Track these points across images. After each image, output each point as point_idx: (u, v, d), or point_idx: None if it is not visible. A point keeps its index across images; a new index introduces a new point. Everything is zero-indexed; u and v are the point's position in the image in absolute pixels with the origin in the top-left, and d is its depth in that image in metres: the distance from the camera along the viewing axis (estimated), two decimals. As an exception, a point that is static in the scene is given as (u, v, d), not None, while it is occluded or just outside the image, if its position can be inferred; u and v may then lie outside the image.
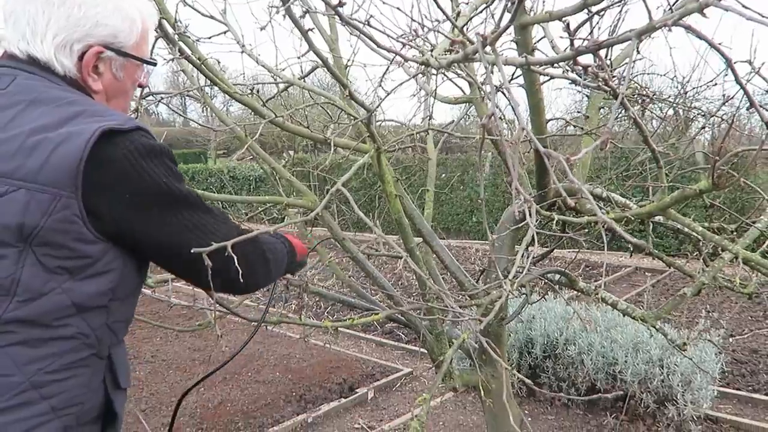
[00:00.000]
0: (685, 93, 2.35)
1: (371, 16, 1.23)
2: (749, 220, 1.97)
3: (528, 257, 2.45)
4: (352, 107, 2.30)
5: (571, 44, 0.95)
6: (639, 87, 2.47)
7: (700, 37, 0.78)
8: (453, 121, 3.39)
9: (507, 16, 2.41)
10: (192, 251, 1.05)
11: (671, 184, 1.87)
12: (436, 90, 2.44)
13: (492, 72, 0.89)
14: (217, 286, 1.14)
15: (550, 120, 2.25)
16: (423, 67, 1.27)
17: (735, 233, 2.14)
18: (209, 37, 2.31)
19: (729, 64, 0.76)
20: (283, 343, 5.59)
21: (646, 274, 8.61)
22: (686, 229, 1.90)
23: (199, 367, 5.04)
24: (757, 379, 4.51)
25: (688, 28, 0.76)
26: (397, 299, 2.49)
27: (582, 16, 1.98)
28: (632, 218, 1.74)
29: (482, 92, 2.64)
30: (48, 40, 1.08)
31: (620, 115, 2.04)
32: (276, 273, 1.41)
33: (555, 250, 3.44)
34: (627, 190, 2.37)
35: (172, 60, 1.63)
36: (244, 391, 4.47)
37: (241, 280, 1.10)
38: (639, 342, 3.92)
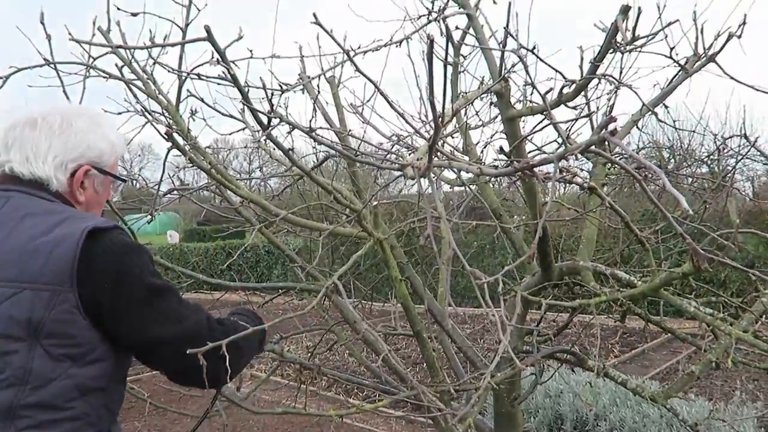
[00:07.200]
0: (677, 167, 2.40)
1: (315, 130, 1.38)
2: (749, 298, 1.96)
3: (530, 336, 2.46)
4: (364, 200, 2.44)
5: (509, 158, 1.05)
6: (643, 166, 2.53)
7: (603, 156, 0.87)
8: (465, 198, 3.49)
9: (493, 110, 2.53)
10: (188, 352, 1.16)
11: (665, 263, 1.90)
12: (437, 176, 2.56)
13: (434, 188, 0.99)
14: (203, 382, 1.23)
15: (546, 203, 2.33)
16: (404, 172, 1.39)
17: (738, 310, 2.12)
18: (230, 134, 2.53)
19: (641, 184, 0.85)
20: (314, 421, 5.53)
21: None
22: (683, 308, 1.91)
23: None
24: (807, 455, 4.24)
25: (599, 154, 0.86)
26: (408, 382, 2.52)
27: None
28: (624, 300, 1.77)
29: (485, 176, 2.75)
30: (48, 161, 1.29)
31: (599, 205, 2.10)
32: (248, 358, 1.50)
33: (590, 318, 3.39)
34: (631, 268, 2.40)
35: (185, 168, 1.81)
36: (271, 474, 4.43)
37: (227, 376, 1.21)
38: (673, 416, 3.77)
